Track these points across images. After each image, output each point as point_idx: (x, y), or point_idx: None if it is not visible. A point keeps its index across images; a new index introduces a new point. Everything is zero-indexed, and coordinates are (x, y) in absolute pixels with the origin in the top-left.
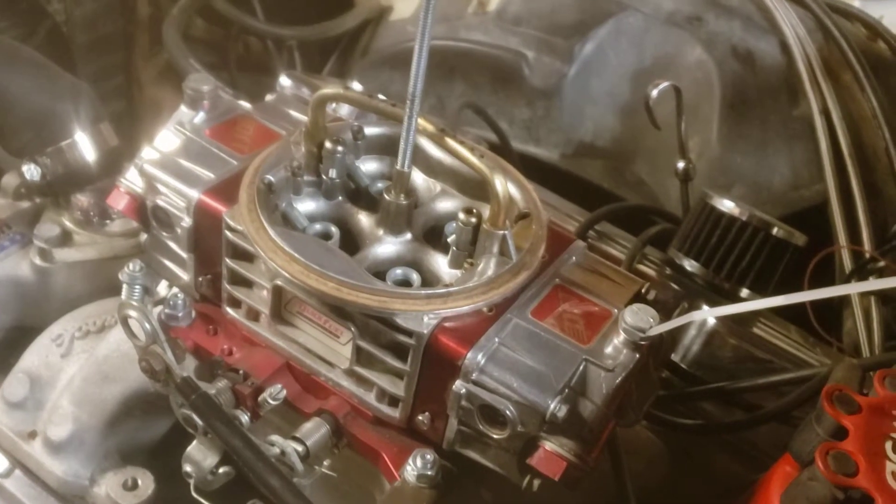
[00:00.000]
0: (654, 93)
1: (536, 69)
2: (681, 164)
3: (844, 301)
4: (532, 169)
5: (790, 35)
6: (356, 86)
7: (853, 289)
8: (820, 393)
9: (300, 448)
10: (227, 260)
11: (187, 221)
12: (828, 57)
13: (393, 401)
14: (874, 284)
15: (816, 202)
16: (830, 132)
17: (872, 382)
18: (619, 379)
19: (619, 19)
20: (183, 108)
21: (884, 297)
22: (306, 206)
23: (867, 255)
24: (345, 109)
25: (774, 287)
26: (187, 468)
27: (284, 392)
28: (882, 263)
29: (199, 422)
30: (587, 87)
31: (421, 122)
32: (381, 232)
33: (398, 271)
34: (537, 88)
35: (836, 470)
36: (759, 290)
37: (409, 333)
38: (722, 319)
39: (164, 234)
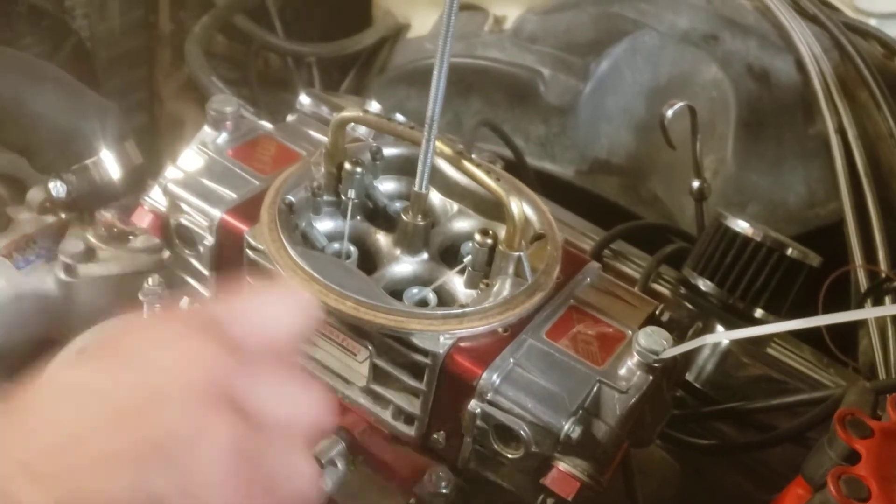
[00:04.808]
0: (669, 113)
1: (552, 86)
2: (696, 184)
3: (860, 320)
4: (547, 185)
5: (806, 53)
6: (374, 105)
7: (870, 313)
8: (833, 415)
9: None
10: (248, 278)
11: (210, 240)
12: (844, 75)
13: (408, 419)
14: (891, 309)
15: (832, 221)
16: (846, 151)
17: (885, 406)
18: (633, 400)
19: (634, 38)
20: (206, 129)
21: None
22: (325, 225)
23: (883, 275)
24: (362, 128)
25: (789, 306)
26: None
27: None
28: None
29: None
30: (602, 104)
31: (439, 144)
32: (398, 252)
33: (415, 291)
34: (553, 105)
35: (848, 494)
36: (774, 311)
37: (425, 353)
38: (736, 340)
39: (187, 251)
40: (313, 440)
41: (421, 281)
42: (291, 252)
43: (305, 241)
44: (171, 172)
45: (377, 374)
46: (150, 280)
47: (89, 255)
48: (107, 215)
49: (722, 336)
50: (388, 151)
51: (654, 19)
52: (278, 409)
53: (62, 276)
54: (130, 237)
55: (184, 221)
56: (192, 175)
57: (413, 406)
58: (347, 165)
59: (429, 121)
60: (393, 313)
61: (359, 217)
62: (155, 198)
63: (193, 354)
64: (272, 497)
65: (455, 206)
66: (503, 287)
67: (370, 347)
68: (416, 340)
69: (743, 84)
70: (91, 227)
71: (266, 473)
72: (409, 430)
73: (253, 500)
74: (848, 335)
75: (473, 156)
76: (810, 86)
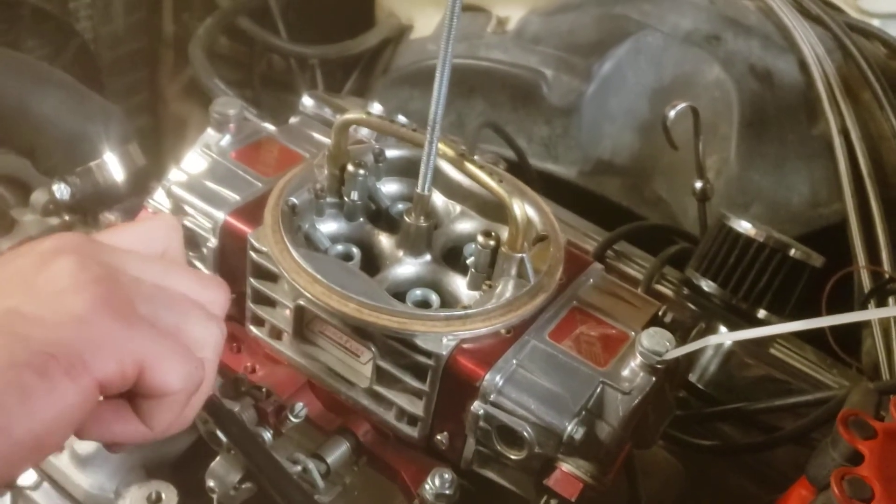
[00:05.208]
0: (672, 113)
1: (555, 88)
2: (698, 184)
3: (864, 321)
4: (550, 186)
5: (809, 54)
6: (377, 106)
7: (873, 314)
8: (837, 415)
9: (321, 465)
10: (252, 280)
11: (213, 242)
12: (847, 76)
13: (412, 420)
14: (895, 311)
15: (835, 221)
16: (849, 151)
17: (888, 406)
18: (636, 402)
19: (637, 38)
20: (209, 131)
21: None
22: (328, 227)
23: (886, 276)
24: (365, 130)
25: (792, 307)
26: (210, 483)
27: (306, 410)
28: None
29: (222, 438)
30: (605, 105)
31: (441, 146)
32: (401, 253)
33: (417, 292)
34: (556, 107)
35: (851, 495)
36: (777, 311)
37: (428, 354)
38: (739, 340)
39: (191, 254)
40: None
41: (424, 282)
42: (294, 254)
43: (308, 243)
44: (174, 175)
45: (380, 375)
46: None
47: None
48: (110, 217)
49: (725, 337)
50: (391, 153)
51: (656, 20)
52: (159, 279)
53: None
54: None
55: (187, 223)
56: (196, 177)
57: (416, 407)
58: (350, 167)
59: (431, 123)
60: (396, 315)
61: (361, 219)
62: (158, 200)
63: (54, 237)
64: (168, 334)
65: (458, 208)
66: (506, 288)
67: (373, 349)
68: (419, 342)
69: (746, 84)
70: (94, 228)
71: (153, 316)
72: (413, 432)
73: (144, 332)
74: (851, 336)
75: (476, 157)
76: (813, 86)
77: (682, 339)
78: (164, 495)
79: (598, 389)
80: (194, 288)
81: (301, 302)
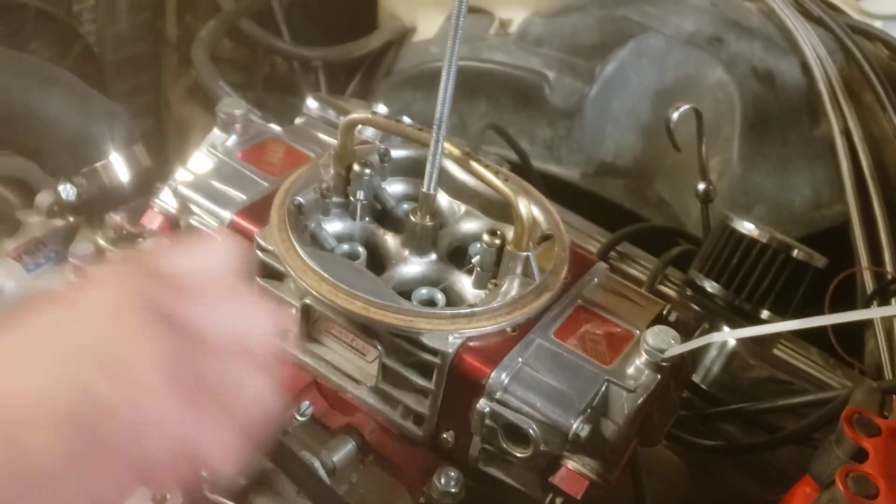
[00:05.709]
0: (675, 115)
1: (558, 89)
2: (701, 186)
3: (866, 322)
4: (553, 188)
5: (811, 56)
6: (382, 108)
7: (875, 313)
8: (840, 415)
9: (327, 463)
10: (258, 279)
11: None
12: (849, 77)
13: (418, 418)
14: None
15: (838, 222)
16: (851, 152)
17: (892, 405)
18: (641, 399)
19: (640, 40)
20: (215, 132)
21: None
22: (334, 226)
23: (889, 277)
24: (369, 131)
25: (795, 308)
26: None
27: (312, 408)
28: None
29: None
30: (608, 107)
31: (447, 145)
32: (406, 252)
33: (423, 291)
34: (559, 108)
35: (856, 492)
36: (780, 312)
37: (434, 352)
38: (742, 340)
39: None
40: (269, 360)
41: (429, 281)
42: (301, 253)
43: (314, 242)
44: (181, 175)
45: (386, 373)
46: None
47: (99, 257)
48: (116, 218)
49: (728, 335)
50: (396, 153)
51: (659, 22)
52: (221, 328)
53: (73, 278)
54: (139, 239)
55: (194, 223)
56: (202, 177)
57: (422, 405)
58: (356, 167)
59: (437, 122)
60: (402, 313)
61: (367, 218)
62: (165, 200)
63: (121, 281)
64: (226, 410)
65: (463, 208)
66: (511, 287)
67: (379, 347)
68: (425, 340)
69: (748, 86)
70: (101, 229)
71: (215, 387)
72: (418, 430)
73: (204, 412)
74: (854, 337)
75: (480, 157)
76: (815, 88)
77: (685, 339)
78: (168, 495)
79: (604, 387)
80: (249, 324)
81: (307, 300)
